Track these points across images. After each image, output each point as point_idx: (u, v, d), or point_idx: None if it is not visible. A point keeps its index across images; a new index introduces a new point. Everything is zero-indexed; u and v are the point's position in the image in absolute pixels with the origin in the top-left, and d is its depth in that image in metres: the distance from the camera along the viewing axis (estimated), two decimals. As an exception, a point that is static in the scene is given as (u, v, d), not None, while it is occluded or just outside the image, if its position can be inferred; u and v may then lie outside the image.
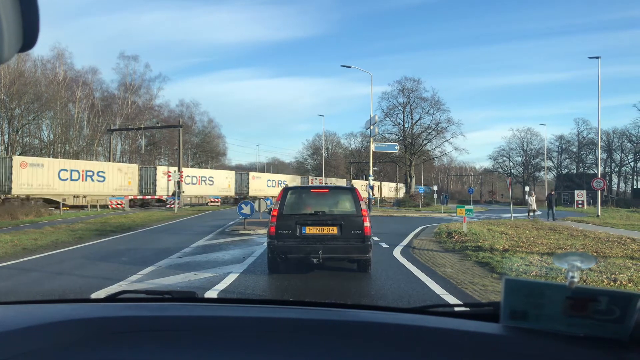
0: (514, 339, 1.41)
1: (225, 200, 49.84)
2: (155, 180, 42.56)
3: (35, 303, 1.93)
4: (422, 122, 62.56)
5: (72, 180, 35.49)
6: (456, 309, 1.97)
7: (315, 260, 8.45)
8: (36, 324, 1.56)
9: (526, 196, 31.26)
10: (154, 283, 8.47)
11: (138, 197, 40.95)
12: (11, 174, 31.53)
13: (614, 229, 21.52)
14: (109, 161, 47.16)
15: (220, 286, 8.06)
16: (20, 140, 52.52)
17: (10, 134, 49.41)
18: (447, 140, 61.78)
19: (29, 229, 18.34)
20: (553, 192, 29.17)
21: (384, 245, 14.10)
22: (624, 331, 1.30)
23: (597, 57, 34.63)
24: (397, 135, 62.23)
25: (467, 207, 18.27)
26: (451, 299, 7.15)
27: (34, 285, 8.44)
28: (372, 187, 39.52)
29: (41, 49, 54.65)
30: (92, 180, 37.11)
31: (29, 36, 0.86)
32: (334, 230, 8.68)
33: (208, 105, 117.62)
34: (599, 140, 41.65)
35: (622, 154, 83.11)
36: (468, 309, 1.95)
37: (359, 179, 72.30)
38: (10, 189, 31.45)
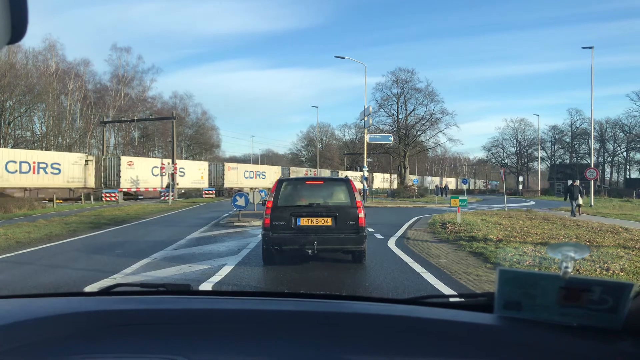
0: (508, 329, 1.42)
1: (197, 193, 46.57)
2: (119, 171, 39.78)
3: (29, 297, 1.92)
4: (416, 113, 62.48)
5: (21, 172, 33.23)
6: (450, 299, 1.98)
7: (310, 251, 8.47)
8: (30, 318, 1.56)
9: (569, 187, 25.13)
10: (149, 275, 8.46)
11: (104, 190, 38.09)
12: None
13: (606, 218, 21.67)
14: (102, 154, 46.75)
15: (215, 278, 8.06)
16: (12, 133, 52.16)
17: (2, 127, 49.01)
18: (441, 131, 61.78)
19: (22, 222, 18.23)
20: (576, 183, 24.52)
21: (379, 236, 14.14)
22: (617, 320, 1.30)
23: (590, 47, 34.70)
24: (391, 126, 62.12)
25: (461, 197, 18.31)
26: (445, 290, 7.18)
27: (28, 278, 8.41)
28: (366, 178, 39.57)
29: (32, 41, 54.22)
30: (46, 172, 34.75)
31: (17, 28, 0.85)
32: (328, 221, 8.69)
33: (202, 97, 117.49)
34: (592, 130, 41.84)
35: (615, 144, 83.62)
36: (462, 299, 1.96)
37: (353, 170, 72.26)
38: None
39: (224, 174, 50.73)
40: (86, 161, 38.46)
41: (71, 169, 36.83)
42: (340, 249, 9.00)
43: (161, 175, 42.72)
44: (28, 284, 7.88)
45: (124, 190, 39.83)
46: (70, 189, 36.76)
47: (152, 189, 42.87)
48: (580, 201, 24.17)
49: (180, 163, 46.20)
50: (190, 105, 77.46)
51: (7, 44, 0.86)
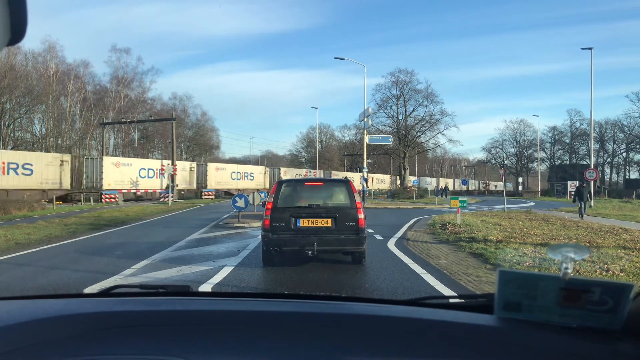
0: (508, 330, 1.42)
1: (46, 196, 34.54)
2: None
3: (29, 299, 1.92)
4: (415, 114, 62.41)
5: None
6: (450, 300, 1.98)
7: (309, 252, 8.46)
8: (30, 319, 1.55)
9: (575, 187, 23.76)
10: (149, 277, 8.46)
11: None
12: None
13: (606, 219, 21.66)
14: (102, 155, 46.59)
15: (215, 279, 8.05)
16: (12, 135, 52.13)
17: (2, 128, 48.98)
18: (440, 132, 61.73)
19: (22, 224, 18.21)
20: (585, 184, 23.82)
21: (379, 237, 14.13)
22: (617, 322, 1.30)
23: (590, 49, 34.79)
24: (391, 128, 62.09)
25: (460, 198, 18.30)
26: (445, 291, 7.18)
27: (28, 280, 8.40)
28: (366, 179, 39.58)
29: (32, 42, 54.18)
30: None
31: (16, 29, 0.85)
32: (328, 222, 8.68)
33: (201, 98, 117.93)
34: (592, 131, 41.95)
35: (615, 145, 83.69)
36: (462, 300, 1.96)
37: (353, 171, 72.21)
38: None
39: (102, 172, 37.98)
40: None
41: None
42: (340, 250, 9.00)
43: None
44: (27, 286, 7.87)
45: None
46: None
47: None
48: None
49: (30, 158, 35.72)
50: (190, 107, 77.56)
51: (7, 45, 0.86)
